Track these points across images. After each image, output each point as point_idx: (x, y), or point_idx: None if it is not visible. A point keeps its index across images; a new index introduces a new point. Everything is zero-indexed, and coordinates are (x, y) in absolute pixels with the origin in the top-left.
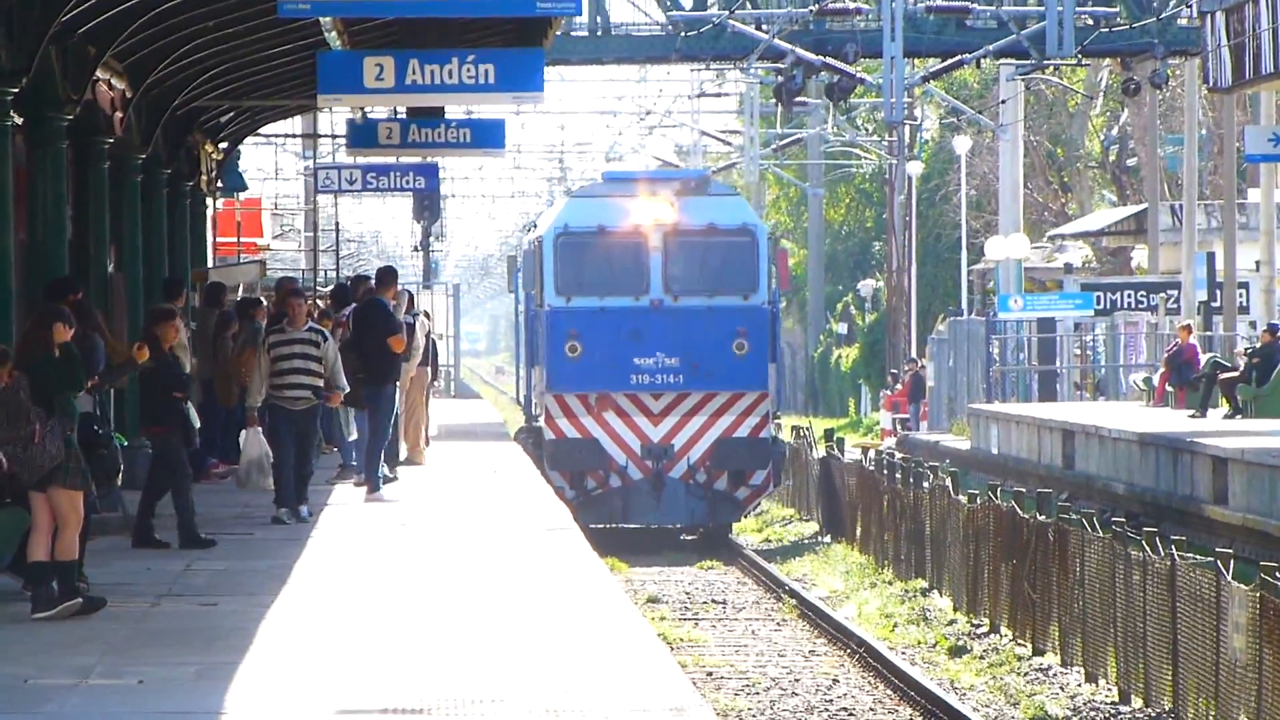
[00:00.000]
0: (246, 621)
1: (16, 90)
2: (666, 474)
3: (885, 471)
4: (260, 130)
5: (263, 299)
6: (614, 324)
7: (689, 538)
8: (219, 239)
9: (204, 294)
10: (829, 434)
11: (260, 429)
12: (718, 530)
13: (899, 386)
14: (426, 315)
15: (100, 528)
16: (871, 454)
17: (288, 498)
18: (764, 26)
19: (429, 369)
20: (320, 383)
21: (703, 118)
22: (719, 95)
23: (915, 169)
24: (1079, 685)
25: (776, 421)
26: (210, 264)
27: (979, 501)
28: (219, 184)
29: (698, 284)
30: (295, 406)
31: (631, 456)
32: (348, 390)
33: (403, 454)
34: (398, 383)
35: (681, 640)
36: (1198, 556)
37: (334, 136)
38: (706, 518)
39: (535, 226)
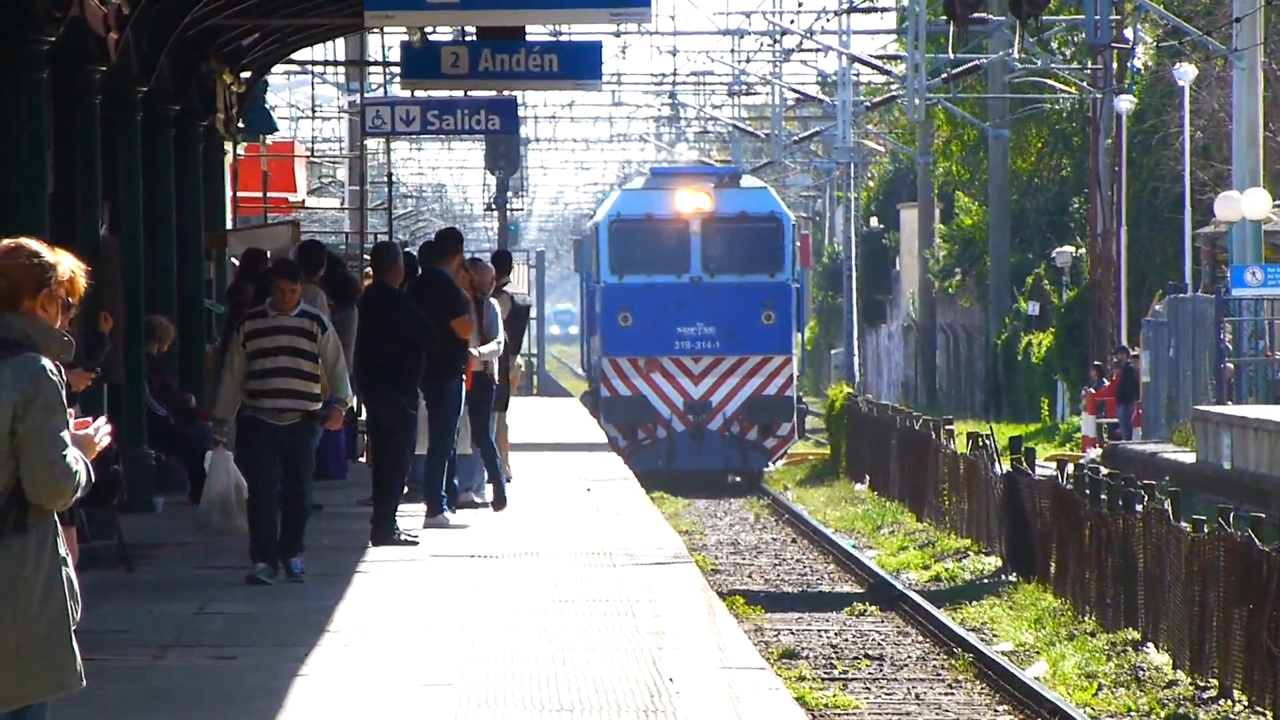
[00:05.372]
0: (273, 679)
1: None
2: (706, 426)
3: (1087, 492)
4: (293, 57)
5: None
6: (660, 298)
7: (736, 478)
8: (240, 194)
9: (241, 264)
10: (1015, 444)
11: (230, 452)
12: (752, 476)
13: (1105, 383)
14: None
15: (90, 559)
16: (1070, 469)
17: (268, 548)
18: None
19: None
20: (315, 389)
21: (854, 40)
22: (874, 11)
23: (1126, 105)
24: None
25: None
26: (229, 225)
27: (1206, 530)
28: (241, 124)
29: (732, 264)
30: (279, 421)
31: (675, 411)
32: (350, 404)
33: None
34: (463, 378)
35: (826, 707)
36: None
37: (386, 65)
38: (740, 463)
39: (594, 215)
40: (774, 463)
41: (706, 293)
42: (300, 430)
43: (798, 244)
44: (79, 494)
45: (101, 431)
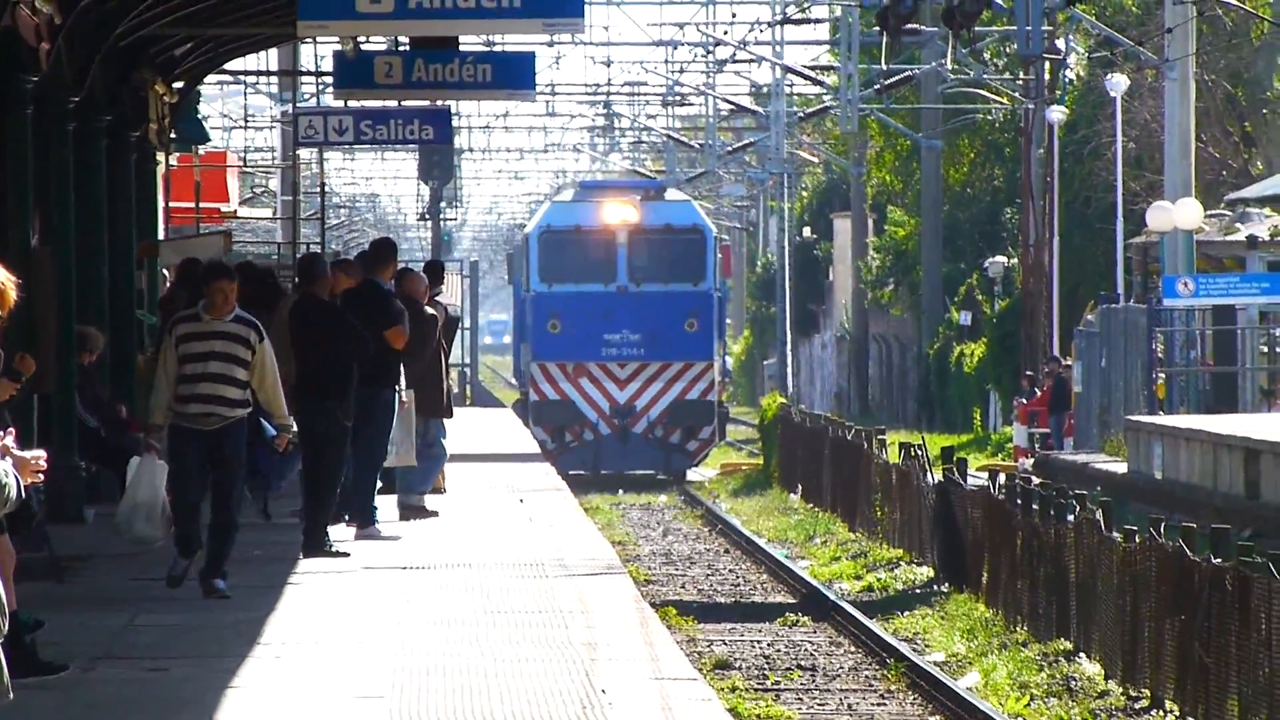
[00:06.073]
0: (205, 690)
1: None
2: (631, 429)
3: (1019, 502)
4: (226, 67)
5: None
6: (588, 306)
7: (663, 477)
8: (172, 204)
9: (176, 273)
10: (947, 454)
11: (161, 460)
12: (677, 475)
13: (1037, 393)
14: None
15: (21, 571)
16: (1002, 479)
17: (189, 545)
18: None
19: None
20: (245, 396)
21: (787, 51)
22: (808, 22)
23: (1058, 116)
24: None
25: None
26: (161, 235)
27: (1138, 541)
28: (173, 134)
29: (656, 273)
30: (204, 426)
31: (602, 415)
32: (293, 428)
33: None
34: (396, 388)
35: (759, 717)
36: None
37: (319, 74)
38: (664, 466)
39: (526, 226)
40: (696, 464)
41: (632, 301)
42: (226, 434)
43: (719, 255)
44: (8, 507)
45: (40, 462)
